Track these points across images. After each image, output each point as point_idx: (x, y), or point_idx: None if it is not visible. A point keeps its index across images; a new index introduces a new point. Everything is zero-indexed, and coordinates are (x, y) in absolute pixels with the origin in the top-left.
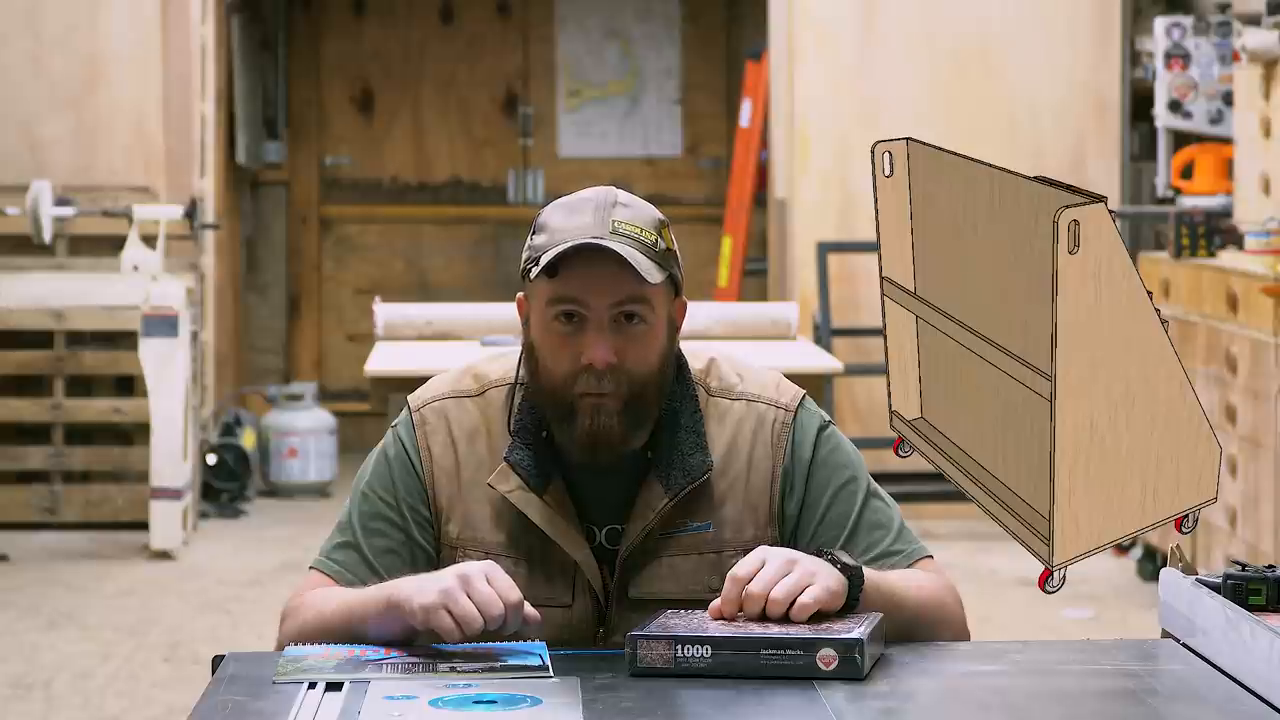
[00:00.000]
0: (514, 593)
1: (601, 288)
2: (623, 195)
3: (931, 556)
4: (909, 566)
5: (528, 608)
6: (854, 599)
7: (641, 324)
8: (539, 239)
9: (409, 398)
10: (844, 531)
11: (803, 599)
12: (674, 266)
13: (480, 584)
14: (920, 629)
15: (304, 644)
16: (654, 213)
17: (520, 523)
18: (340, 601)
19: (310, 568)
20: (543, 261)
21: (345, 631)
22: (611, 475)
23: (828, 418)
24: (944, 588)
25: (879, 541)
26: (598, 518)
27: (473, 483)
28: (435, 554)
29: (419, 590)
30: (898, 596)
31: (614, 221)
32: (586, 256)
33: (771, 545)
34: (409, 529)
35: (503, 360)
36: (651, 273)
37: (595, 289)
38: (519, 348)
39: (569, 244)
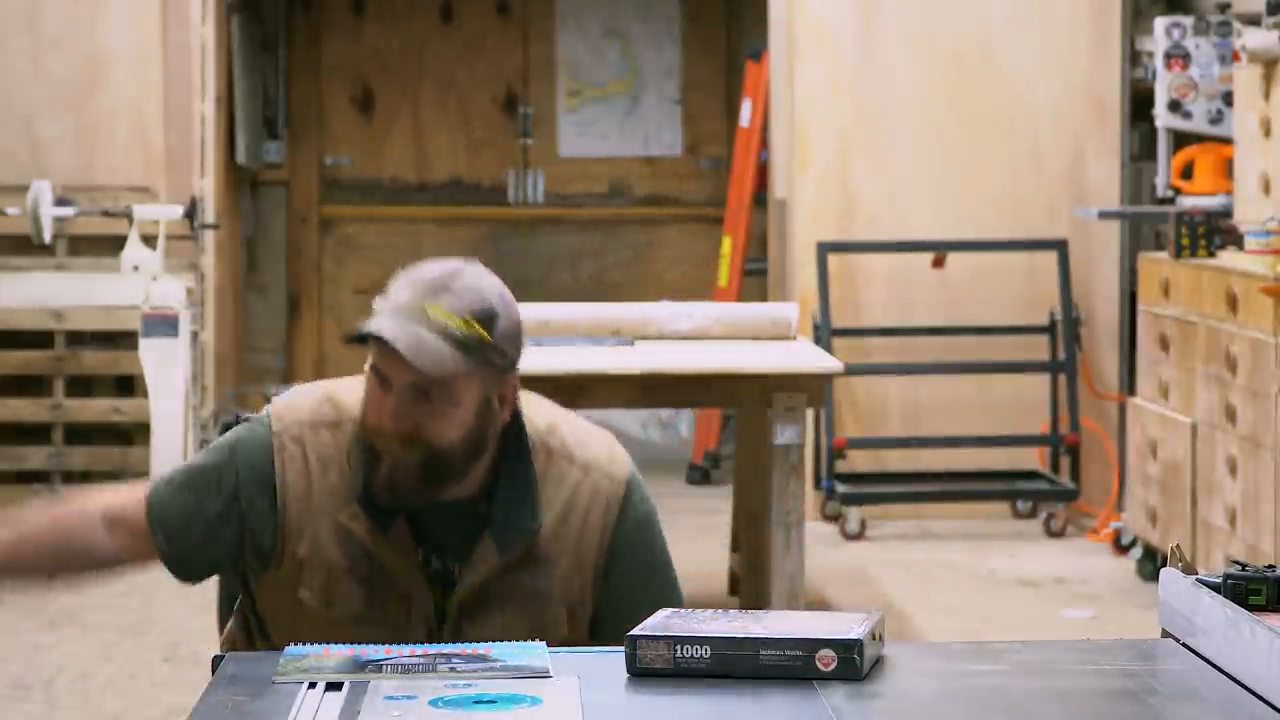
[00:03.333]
0: None
1: (399, 366)
2: (466, 279)
3: None
4: None
5: None
6: None
7: (440, 403)
8: (378, 302)
9: (270, 410)
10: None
11: None
12: (492, 354)
13: None
14: None
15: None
16: (486, 301)
17: (363, 550)
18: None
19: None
20: (358, 330)
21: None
22: (451, 518)
23: (652, 504)
24: None
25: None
26: (438, 549)
27: (321, 510)
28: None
29: None
30: None
31: (428, 307)
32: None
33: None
34: (211, 512)
35: (357, 391)
36: (444, 362)
37: (395, 366)
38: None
39: (362, 330)
